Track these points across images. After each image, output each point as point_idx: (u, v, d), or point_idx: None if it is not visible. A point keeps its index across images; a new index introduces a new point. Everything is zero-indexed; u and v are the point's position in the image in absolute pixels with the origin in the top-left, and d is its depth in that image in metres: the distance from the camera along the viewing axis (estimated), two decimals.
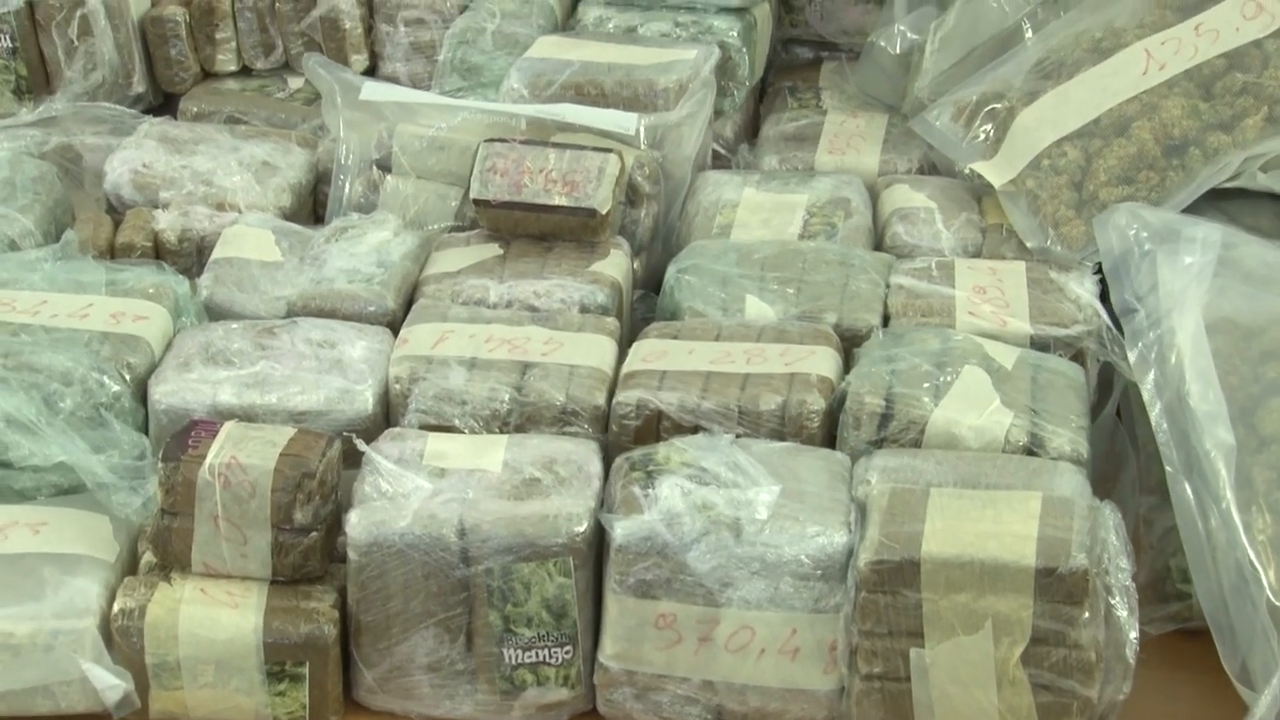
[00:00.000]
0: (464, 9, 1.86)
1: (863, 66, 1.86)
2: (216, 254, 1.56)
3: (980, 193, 1.65)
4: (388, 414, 1.41)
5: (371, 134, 1.68)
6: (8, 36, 1.82)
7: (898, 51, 1.81)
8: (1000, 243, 1.58)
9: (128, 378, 1.40)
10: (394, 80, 1.84)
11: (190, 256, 1.62)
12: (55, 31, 1.82)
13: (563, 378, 1.40)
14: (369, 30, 1.87)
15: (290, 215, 1.68)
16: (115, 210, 1.69)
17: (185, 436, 1.30)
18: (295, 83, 1.89)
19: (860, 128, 1.79)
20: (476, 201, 1.58)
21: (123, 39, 1.84)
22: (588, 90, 1.69)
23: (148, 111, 1.88)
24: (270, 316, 1.51)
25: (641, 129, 1.63)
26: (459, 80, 1.83)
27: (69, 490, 1.37)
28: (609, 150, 1.58)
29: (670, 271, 1.53)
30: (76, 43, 1.83)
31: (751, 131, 1.87)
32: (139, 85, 1.87)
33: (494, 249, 1.58)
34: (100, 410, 1.37)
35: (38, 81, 1.84)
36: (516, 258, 1.56)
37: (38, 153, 1.73)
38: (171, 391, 1.39)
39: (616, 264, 1.55)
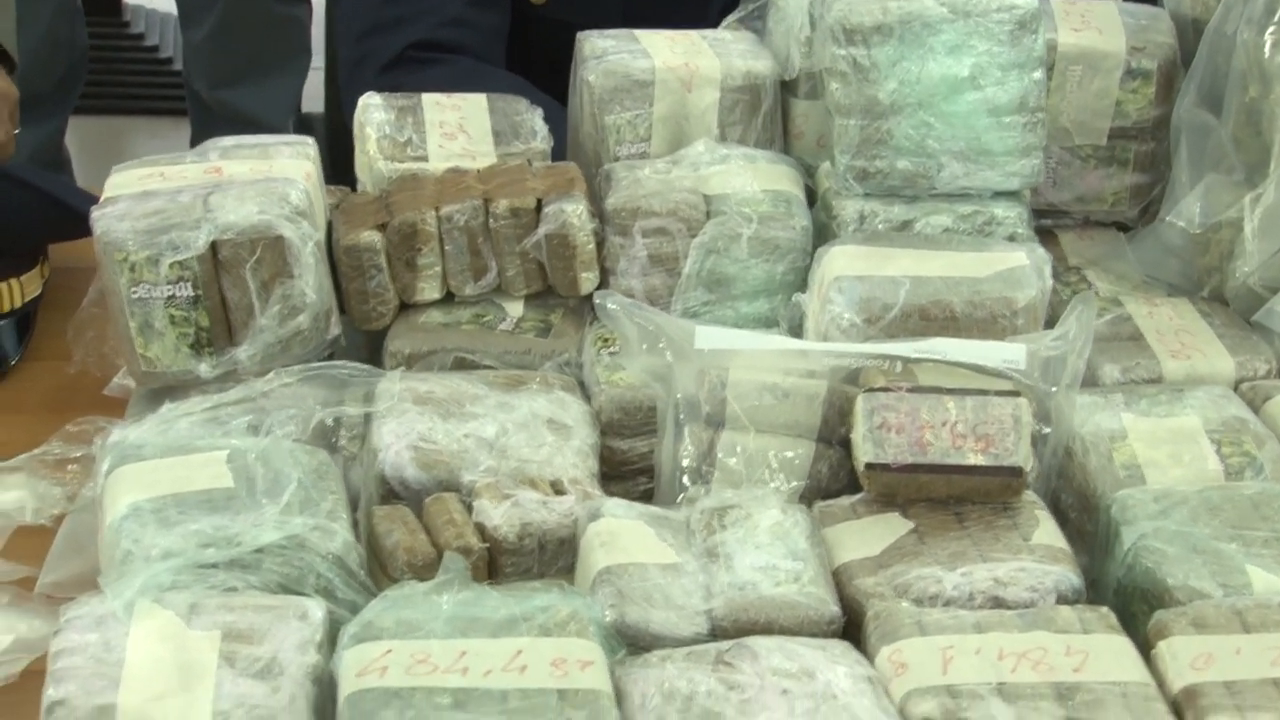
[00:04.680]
0: (709, 214, 1.63)
1: (1144, 246, 1.70)
2: (600, 560, 1.31)
3: None
4: None
5: (691, 383, 1.45)
6: (190, 284, 1.53)
7: (1197, 230, 1.65)
8: None
9: None
10: (629, 297, 1.60)
11: (531, 555, 1.37)
12: (249, 274, 1.53)
13: (1117, 701, 1.19)
14: (600, 244, 1.62)
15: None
16: (396, 496, 1.42)
17: None
18: (513, 309, 1.64)
19: (1174, 320, 1.62)
20: (871, 466, 1.36)
21: (324, 276, 1.56)
22: (934, 314, 1.49)
23: (331, 355, 1.60)
24: (696, 636, 1.27)
25: (1035, 365, 1.43)
26: (705, 294, 1.61)
27: None
28: (1015, 394, 1.38)
29: (1129, 538, 1.34)
30: (271, 285, 1.54)
31: None
32: (336, 327, 1.59)
33: (898, 521, 1.36)
34: None
35: (219, 333, 1.55)
36: (934, 533, 1.35)
37: (303, 435, 1.44)
38: None
39: (1055, 532, 1.35)
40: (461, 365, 1.58)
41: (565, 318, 1.62)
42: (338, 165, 2.10)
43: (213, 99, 3.62)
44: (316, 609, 1.24)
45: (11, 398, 1.75)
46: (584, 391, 1.54)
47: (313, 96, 3.78)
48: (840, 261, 1.54)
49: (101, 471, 1.38)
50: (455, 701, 1.15)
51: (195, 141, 3.58)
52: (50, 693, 1.14)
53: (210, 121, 3.54)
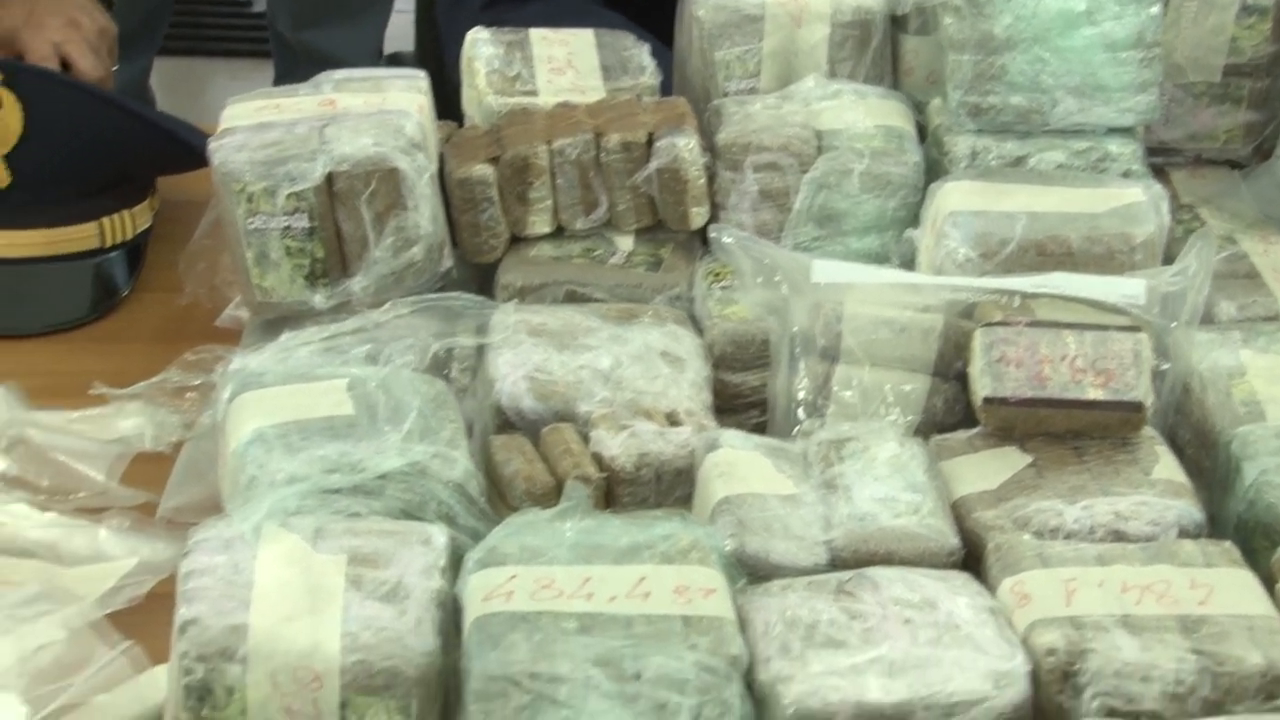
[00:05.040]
0: (820, 150, 1.62)
1: (1260, 183, 1.69)
2: (720, 490, 1.31)
3: None
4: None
5: (806, 316, 1.45)
6: (306, 215, 1.54)
7: None
8: None
9: (736, 674, 1.15)
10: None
11: (648, 485, 1.37)
12: (364, 206, 1.54)
13: (1243, 634, 1.19)
14: (711, 179, 1.62)
15: None
16: (511, 426, 1.43)
17: None
18: (623, 243, 1.64)
19: None
20: (989, 400, 1.36)
21: (438, 208, 1.57)
22: (1051, 249, 1.48)
23: (444, 288, 1.60)
24: (815, 566, 1.27)
25: (1155, 300, 1.43)
26: (816, 229, 1.61)
27: None
28: (1135, 329, 1.37)
29: (1251, 474, 1.33)
30: (386, 217, 1.54)
31: None
32: (448, 259, 1.59)
33: (1016, 455, 1.36)
34: None
35: (333, 264, 1.56)
36: (1053, 467, 1.35)
37: (421, 364, 1.45)
38: (808, 692, 1.14)
39: (1176, 467, 1.35)
40: (572, 298, 1.58)
41: (675, 252, 1.63)
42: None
43: (296, 40, 3.63)
44: (439, 534, 1.25)
45: (123, 328, 1.77)
46: (695, 325, 1.54)
47: (394, 38, 3.78)
48: (955, 196, 1.53)
49: (223, 399, 1.39)
50: (581, 626, 1.16)
51: (279, 83, 3.59)
52: (183, 612, 1.15)
53: (293, 63, 3.55)
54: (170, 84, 4.05)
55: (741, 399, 1.52)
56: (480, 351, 1.50)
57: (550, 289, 1.59)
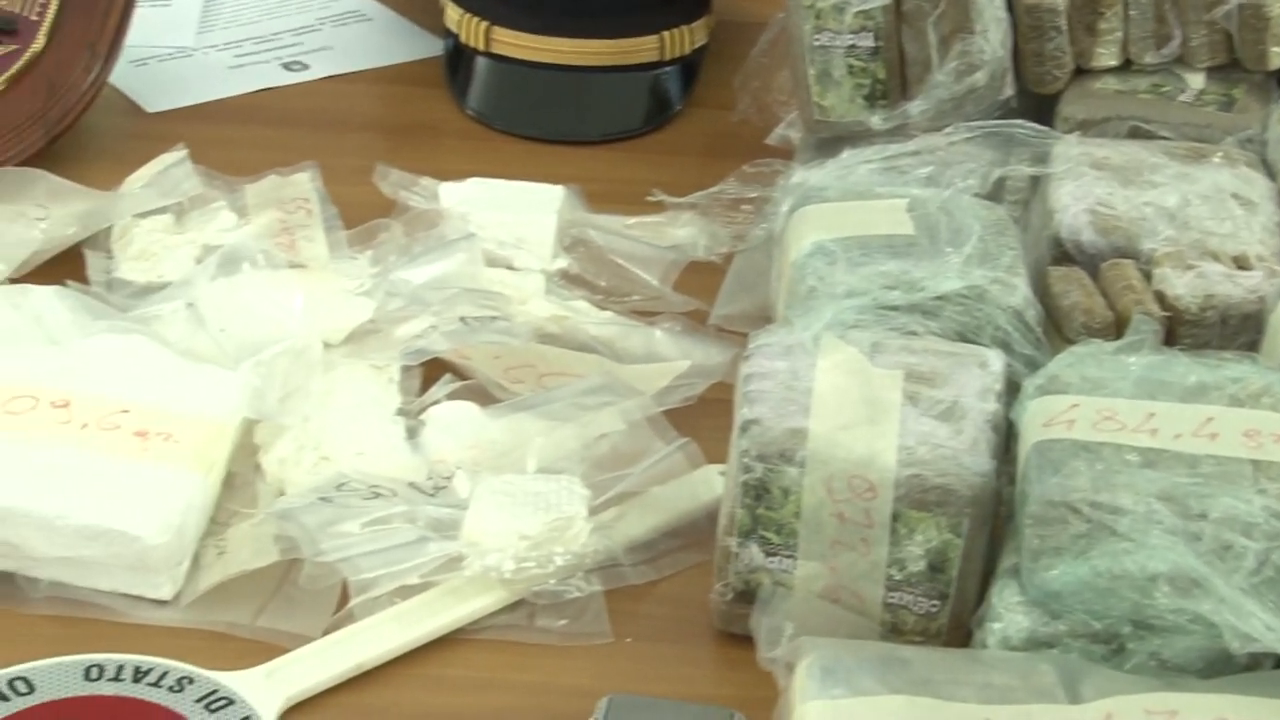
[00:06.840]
0: None
1: None
2: None
3: None
4: None
5: None
6: (871, 35, 1.52)
7: None
8: None
9: None
10: None
11: (1211, 329, 1.33)
12: (930, 28, 1.51)
13: None
14: None
15: None
16: (1069, 259, 1.40)
17: None
18: (1194, 81, 1.57)
19: None
20: None
21: (1006, 34, 1.53)
22: None
23: (1003, 116, 1.56)
24: None
25: None
26: None
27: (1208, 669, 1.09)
28: None
29: None
30: (951, 40, 1.52)
31: None
32: (1010, 88, 1.56)
33: None
34: None
35: (893, 86, 1.55)
36: None
37: (982, 190, 1.43)
38: None
39: None
40: (1136, 135, 1.53)
41: (1249, 92, 1.56)
42: None
43: None
44: (996, 359, 1.24)
45: (674, 141, 1.80)
46: (1268, 170, 1.48)
47: None
48: None
49: (782, 210, 1.40)
50: (1144, 460, 1.13)
51: None
52: (744, 412, 1.17)
53: None
54: None
55: None
56: (1035, 182, 1.47)
57: (1113, 124, 1.54)
